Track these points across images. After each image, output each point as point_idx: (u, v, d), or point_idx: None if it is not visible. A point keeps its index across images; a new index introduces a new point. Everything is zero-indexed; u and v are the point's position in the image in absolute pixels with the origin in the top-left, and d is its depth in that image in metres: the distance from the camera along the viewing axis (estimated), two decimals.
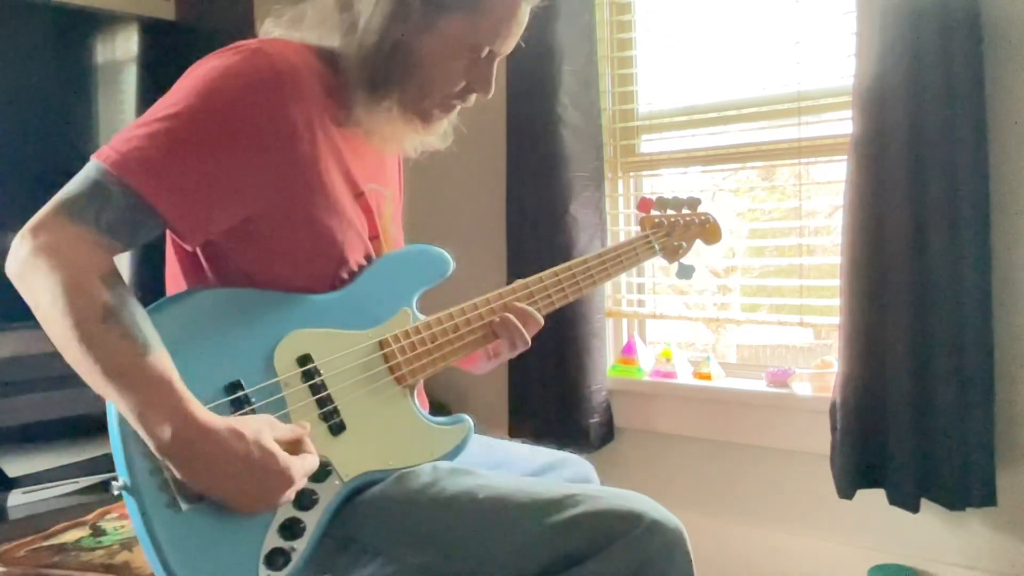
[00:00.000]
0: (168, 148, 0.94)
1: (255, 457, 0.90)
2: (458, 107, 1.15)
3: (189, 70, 1.02)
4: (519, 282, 1.27)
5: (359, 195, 1.12)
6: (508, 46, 1.11)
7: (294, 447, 0.96)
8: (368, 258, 1.15)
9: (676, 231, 1.54)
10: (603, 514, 0.97)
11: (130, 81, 2.53)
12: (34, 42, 2.36)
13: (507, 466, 1.28)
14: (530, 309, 1.23)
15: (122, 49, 2.53)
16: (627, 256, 1.43)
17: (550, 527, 0.97)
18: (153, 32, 2.58)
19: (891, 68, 1.77)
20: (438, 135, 1.17)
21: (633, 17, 2.39)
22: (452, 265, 1.21)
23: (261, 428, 0.92)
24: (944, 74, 1.71)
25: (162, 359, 0.90)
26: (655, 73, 2.38)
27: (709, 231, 1.59)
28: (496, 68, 1.13)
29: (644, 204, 1.55)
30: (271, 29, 1.13)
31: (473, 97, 1.14)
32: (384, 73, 1.05)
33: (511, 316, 1.21)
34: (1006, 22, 1.75)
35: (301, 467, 0.94)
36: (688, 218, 1.56)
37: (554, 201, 2.27)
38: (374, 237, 1.16)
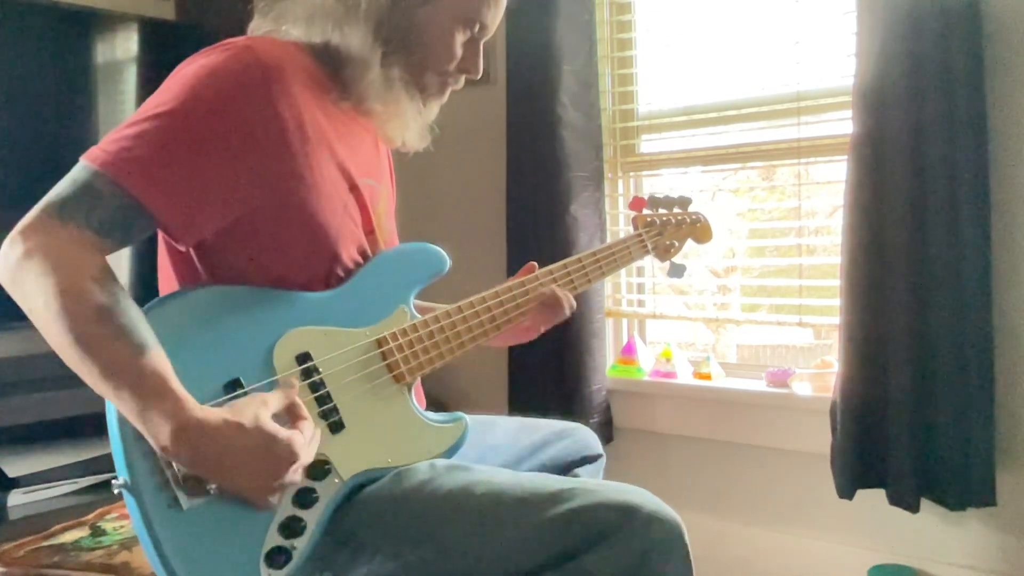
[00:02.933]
0: (157, 147, 0.94)
1: (258, 444, 0.91)
2: (450, 88, 1.19)
3: (177, 69, 1.02)
4: (516, 280, 1.28)
5: (353, 187, 1.12)
6: (495, 19, 1.16)
7: (291, 413, 0.97)
8: (363, 253, 1.15)
9: (668, 230, 1.54)
10: (600, 507, 0.97)
11: (130, 81, 2.53)
12: (34, 42, 2.36)
13: (506, 446, 1.29)
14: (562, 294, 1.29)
15: (122, 49, 2.53)
16: (620, 255, 1.44)
17: (547, 521, 0.97)
18: (153, 32, 2.58)
19: (891, 68, 1.77)
20: (423, 128, 1.18)
21: (633, 17, 2.39)
22: (448, 263, 1.21)
23: (257, 412, 0.92)
24: (944, 74, 1.71)
25: (158, 359, 0.90)
26: (655, 73, 2.38)
27: (700, 230, 1.60)
28: (495, 58, 1.16)
29: (636, 203, 1.56)
30: (257, 27, 1.14)
31: (463, 79, 1.18)
32: (392, 48, 1.09)
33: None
34: (1006, 22, 1.75)
35: (300, 439, 0.95)
36: (680, 217, 1.57)
37: (554, 201, 2.27)
38: (369, 231, 1.16)
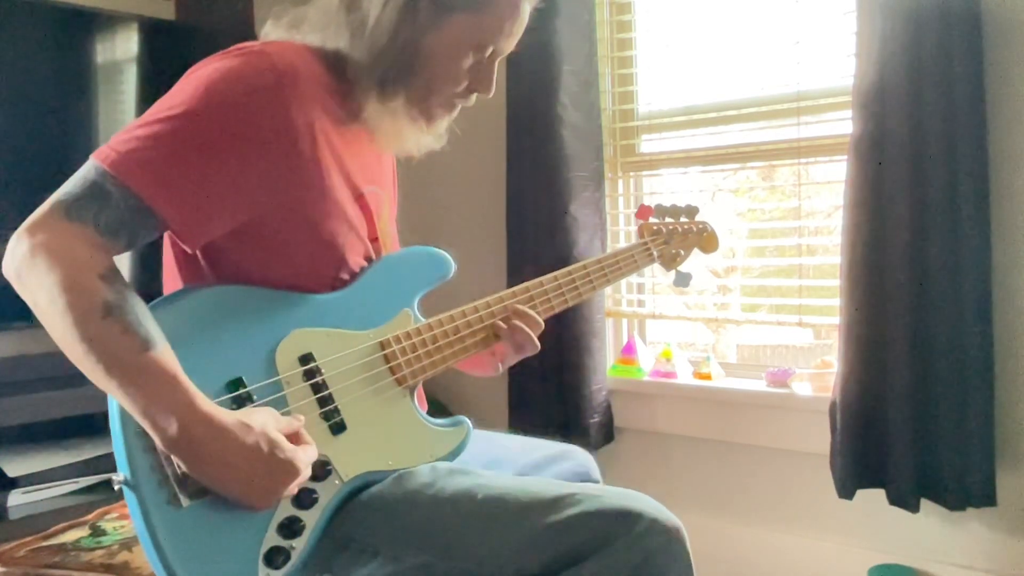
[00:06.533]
0: (169, 150, 0.94)
1: (263, 449, 0.91)
2: (459, 106, 1.16)
3: (190, 71, 1.01)
4: (520, 286, 1.28)
5: (359, 196, 1.12)
6: (510, 45, 1.13)
7: (293, 440, 0.97)
8: (368, 259, 1.15)
9: (674, 239, 1.54)
10: (602, 513, 0.97)
11: (130, 81, 2.53)
12: (34, 42, 2.36)
13: (506, 461, 1.28)
14: (531, 312, 1.24)
15: (122, 49, 2.54)
16: (626, 263, 1.44)
17: (549, 526, 0.97)
18: (153, 32, 2.58)
19: (891, 68, 1.77)
20: (436, 135, 1.17)
21: (633, 17, 2.39)
22: (453, 267, 1.21)
23: (266, 420, 0.93)
24: (944, 74, 1.71)
25: (165, 354, 0.90)
26: (655, 73, 2.38)
27: (707, 240, 1.59)
28: (497, 68, 1.14)
29: (643, 211, 1.55)
30: (270, 31, 1.13)
31: (474, 96, 1.15)
32: (394, 72, 1.06)
33: (520, 323, 1.21)
34: (1006, 22, 1.75)
35: (305, 457, 0.95)
36: (686, 226, 1.56)
37: (554, 201, 2.27)
38: (373, 239, 1.16)
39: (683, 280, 1.56)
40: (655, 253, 1.50)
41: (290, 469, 0.93)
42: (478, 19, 1.07)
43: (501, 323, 1.21)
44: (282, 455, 0.92)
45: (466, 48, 1.08)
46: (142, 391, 0.87)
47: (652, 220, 1.54)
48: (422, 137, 1.14)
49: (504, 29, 1.09)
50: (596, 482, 1.36)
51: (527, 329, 1.21)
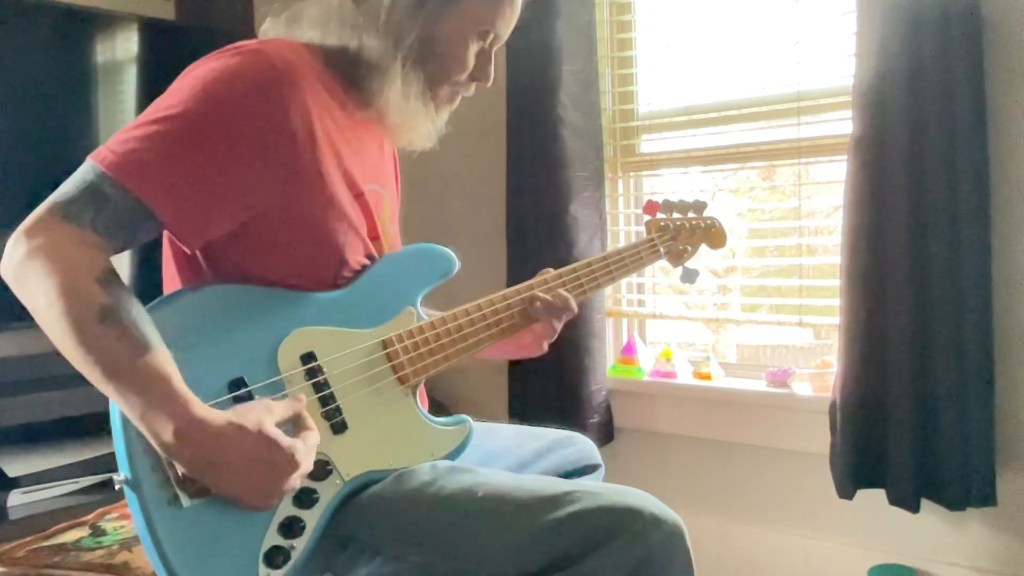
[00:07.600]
0: (166, 150, 0.94)
1: (260, 448, 0.91)
2: (460, 97, 1.19)
3: (187, 71, 1.01)
4: (524, 284, 1.27)
5: (359, 195, 1.12)
6: (507, 30, 1.17)
7: (296, 424, 0.97)
8: (369, 258, 1.15)
9: (682, 235, 1.53)
10: (602, 511, 0.97)
11: (130, 81, 2.53)
12: (34, 42, 2.36)
13: (507, 453, 1.28)
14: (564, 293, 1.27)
15: (122, 49, 2.53)
16: (631, 259, 1.43)
17: (549, 524, 0.97)
18: (153, 32, 2.58)
19: (891, 68, 1.77)
20: (434, 132, 1.18)
21: (633, 17, 2.39)
22: (457, 264, 1.21)
23: (261, 417, 0.92)
24: (944, 74, 1.71)
25: (161, 358, 0.90)
26: (655, 73, 2.38)
27: (715, 236, 1.58)
28: (495, 59, 1.18)
29: (650, 207, 1.55)
30: (269, 29, 1.13)
31: (473, 87, 1.18)
32: (411, 62, 1.08)
33: (556, 296, 1.26)
34: (1006, 22, 1.75)
35: (304, 448, 0.95)
36: (694, 222, 1.55)
37: (554, 201, 2.27)
38: (374, 238, 1.16)
39: (690, 276, 1.55)
40: (662, 250, 1.49)
41: (290, 463, 0.93)
42: (479, 3, 1.10)
43: (540, 295, 1.25)
44: (280, 451, 0.92)
45: (471, 33, 1.11)
46: (138, 395, 0.88)
47: (659, 216, 1.54)
48: (431, 127, 1.16)
49: (503, 12, 1.13)
50: (598, 466, 1.37)
51: (565, 294, 1.26)
